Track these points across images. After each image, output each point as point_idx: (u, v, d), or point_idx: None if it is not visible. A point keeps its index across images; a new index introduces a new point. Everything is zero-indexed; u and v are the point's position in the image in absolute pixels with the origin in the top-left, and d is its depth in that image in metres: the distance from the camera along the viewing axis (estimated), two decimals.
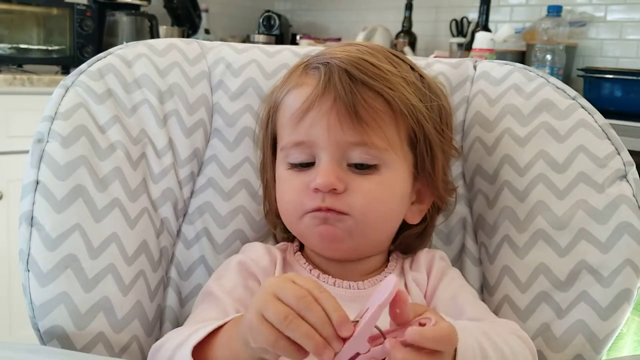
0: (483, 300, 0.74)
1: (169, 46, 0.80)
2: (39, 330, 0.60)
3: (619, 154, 0.69)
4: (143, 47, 0.78)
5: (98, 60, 0.74)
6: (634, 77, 1.82)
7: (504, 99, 0.78)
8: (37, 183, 0.63)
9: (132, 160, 0.70)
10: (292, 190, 0.65)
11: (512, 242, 0.71)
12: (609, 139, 0.70)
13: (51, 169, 0.64)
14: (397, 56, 0.69)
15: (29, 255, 0.61)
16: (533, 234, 0.69)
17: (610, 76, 1.87)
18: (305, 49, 0.86)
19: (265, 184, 0.74)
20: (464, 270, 0.77)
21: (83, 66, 0.73)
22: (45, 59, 2.05)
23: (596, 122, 0.71)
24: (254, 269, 0.67)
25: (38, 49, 2.04)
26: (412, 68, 0.69)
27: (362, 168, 0.63)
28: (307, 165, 0.64)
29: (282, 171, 0.67)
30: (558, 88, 0.76)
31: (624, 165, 0.68)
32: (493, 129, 0.77)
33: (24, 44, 2.02)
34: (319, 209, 0.62)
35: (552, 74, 1.98)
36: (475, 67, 0.84)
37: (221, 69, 0.82)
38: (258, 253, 0.69)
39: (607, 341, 0.63)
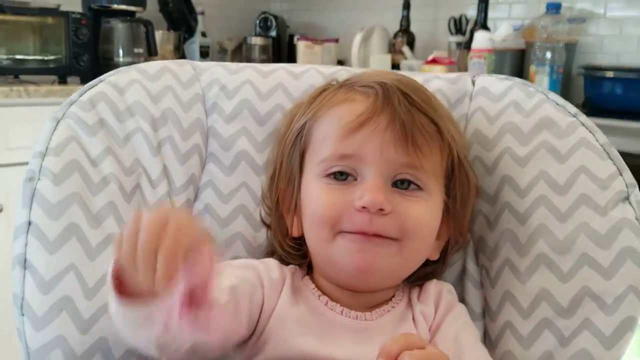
0: (485, 325, 0.73)
1: (162, 70, 0.79)
2: None
3: (621, 174, 0.68)
4: (135, 73, 0.77)
5: (90, 88, 0.73)
6: (635, 76, 1.80)
7: (503, 116, 0.76)
8: (29, 224, 0.62)
9: (125, 193, 0.69)
10: (329, 206, 0.62)
11: (514, 266, 0.70)
12: (611, 159, 0.69)
13: (43, 209, 0.63)
14: (429, 91, 0.70)
15: (22, 299, 0.60)
16: (534, 259, 0.68)
17: (611, 74, 1.85)
18: (301, 67, 0.84)
19: (277, 198, 0.71)
20: (465, 293, 0.76)
21: (74, 96, 0.71)
22: (41, 69, 2.04)
23: (597, 141, 0.70)
24: (263, 275, 0.65)
25: (34, 59, 2.03)
26: (442, 105, 0.71)
27: (407, 188, 0.63)
28: (347, 179, 0.63)
29: (315, 184, 0.65)
30: (558, 105, 0.74)
31: (627, 186, 0.67)
32: (492, 148, 0.75)
33: (20, 54, 2.01)
34: (363, 233, 0.61)
35: (552, 72, 1.96)
36: (473, 83, 0.83)
37: (215, 91, 0.81)
38: (270, 265, 0.68)
39: None
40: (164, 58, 2.52)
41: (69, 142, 0.67)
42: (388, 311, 0.66)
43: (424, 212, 0.63)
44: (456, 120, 0.78)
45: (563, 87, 2.01)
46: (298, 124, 0.69)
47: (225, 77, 0.82)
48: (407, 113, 0.62)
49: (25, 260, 0.61)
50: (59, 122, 0.69)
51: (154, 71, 0.78)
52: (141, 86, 0.76)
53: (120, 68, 0.77)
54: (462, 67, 2.18)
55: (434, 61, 2.11)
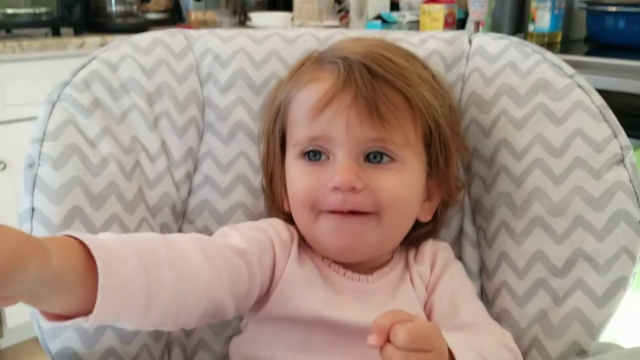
0: (482, 284, 0.75)
1: (153, 42, 0.78)
2: (50, 352, 0.62)
3: (616, 137, 0.68)
4: (127, 48, 0.76)
5: (82, 67, 0.72)
6: (638, 10, 1.76)
7: (499, 77, 0.76)
8: (33, 210, 0.63)
9: (125, 172, 0.70)
10: (305, 188, 0.64)
11: (510, 228, 0.71)
12: (607, 122, 0.69)
13: (45, 194, 0.63)
14: (409, 53, 0.69)
15: None
16: (530, 221, 0.70)
17: (613, 9, 1.81)
18: (295, 32, 0.83)
19: (270, 178, 0.73)
20: (462, 253, 0.78)
21: (67, 77, 0.71)
22: (33, 22, 2.00)
23: (593, 102, 0.70)
24: (273, 236, 0.67)
25: (26, 13, 1.99)
26: (424, 66, 0.69)
27: (379, 162, 0.63)
28: (320, 158, 0.64)
29: (294, 167, 0.66)
30: (554, 65, 0.74)
31: (621, 149, 0.67)
32: (489, 110, 0.75)
33: (11, 8, 1.97)
34: (339, 212, 0.62)
35: (553, 7, 1.91)
36: (470, 42, 0.82)
37: (209, 61, 0.80)
38: (279, 226, 0.69)
39: (603, 328, 0.64)
40: (156, 4, 2.47)
41: (65, 126, 0.67)
42: (387, 273, 0.69)
43: (397, 184, 0.63)
44: (452, 82, 0.78)
45: (565, 22, 1.97)
46: (276, 103, 0.69)
47: (218, 46, 0.81)
48: (370, 87, 0.61)
49: None
50: (54, 105, 0.68)
51: (145, 44, 0.77)
52: (134, 61, 0.75)
53: (111, 43, 0.77)
54: (462, 4, 2.13)
55: (433, 0, 2.06)
